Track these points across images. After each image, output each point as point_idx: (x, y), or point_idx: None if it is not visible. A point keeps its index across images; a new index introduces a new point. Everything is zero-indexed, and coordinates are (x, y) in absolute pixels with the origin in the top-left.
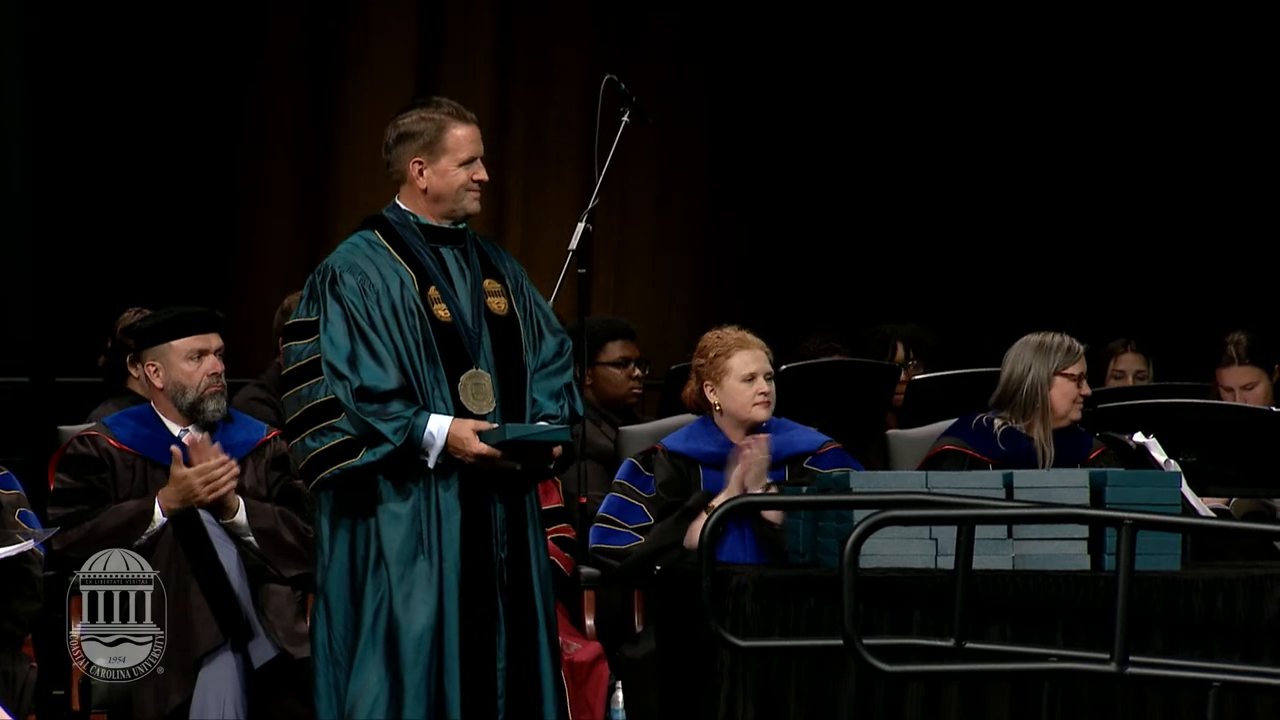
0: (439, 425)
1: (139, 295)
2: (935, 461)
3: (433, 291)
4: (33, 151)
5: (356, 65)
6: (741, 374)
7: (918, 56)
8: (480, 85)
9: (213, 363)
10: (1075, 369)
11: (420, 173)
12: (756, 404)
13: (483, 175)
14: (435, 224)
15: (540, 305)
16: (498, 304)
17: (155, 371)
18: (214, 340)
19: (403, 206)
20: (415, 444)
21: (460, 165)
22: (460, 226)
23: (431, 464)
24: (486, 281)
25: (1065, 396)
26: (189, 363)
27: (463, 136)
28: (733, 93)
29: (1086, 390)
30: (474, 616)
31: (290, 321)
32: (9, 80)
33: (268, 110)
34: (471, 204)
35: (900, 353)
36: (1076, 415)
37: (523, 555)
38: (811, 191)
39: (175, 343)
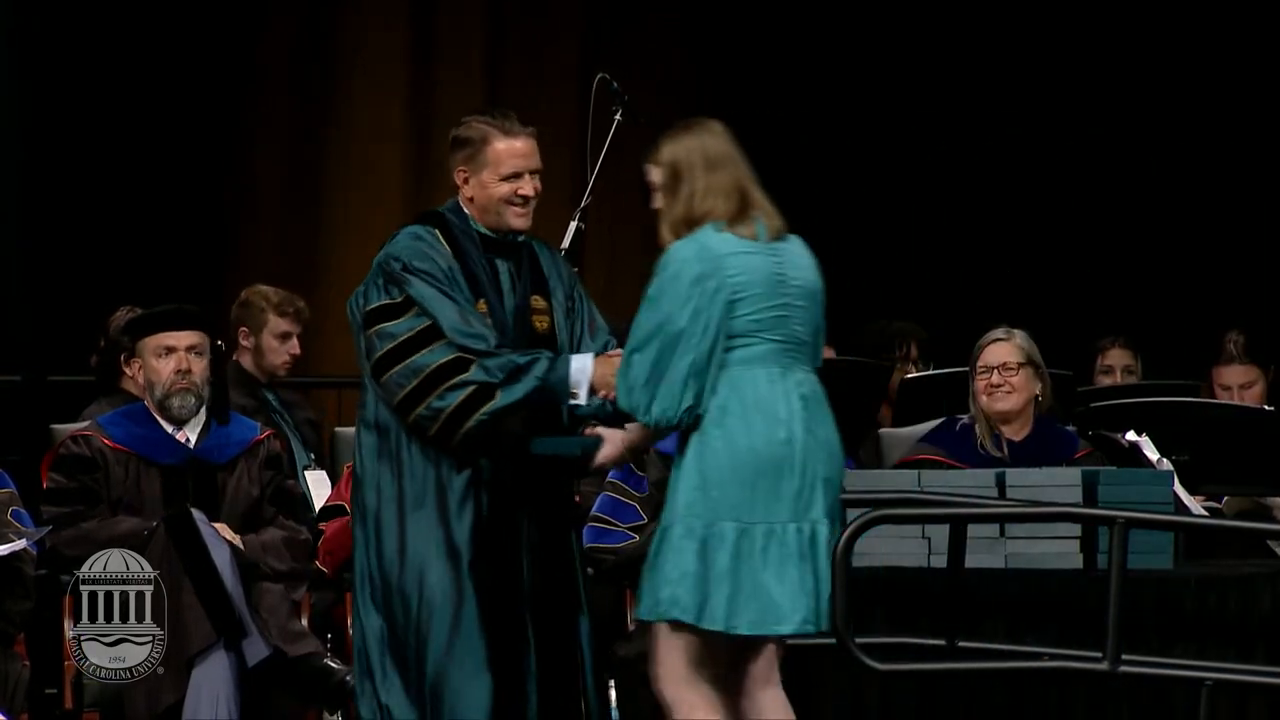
0: (581, 361)
1: (132, 294)
2: (910, 468)
3: (481, 305)
4: (25, 150)
5: (348, 65)
6: None
7: (912, 55)
8: (472, 84)
9: (179, 359)
10: (982, 361)
11: (465, 181)
12: None
13: (527, 191)
14: (491, 234)
15: (592, 312)
16: (540, 322)
17: (138, 369)
18: (184, 338)
19: (463, 209)
20: (561, 380)
21: (502, 179)
22: (519, 239)
23: (583, 400)
24: (533, 298)
25: (979, 393)
26: (157, 360)
27: (504, 150)
28: (725, 92)
29: (998, 380)
30: (501, 641)
31: (371, 307)
32: (1, 79)
33: (260, 109)
34: (514, 220)
35: (915, 351)
36: (1000, 405)
37: (560, 576)
38: (802, 190)
39: (147, 339)
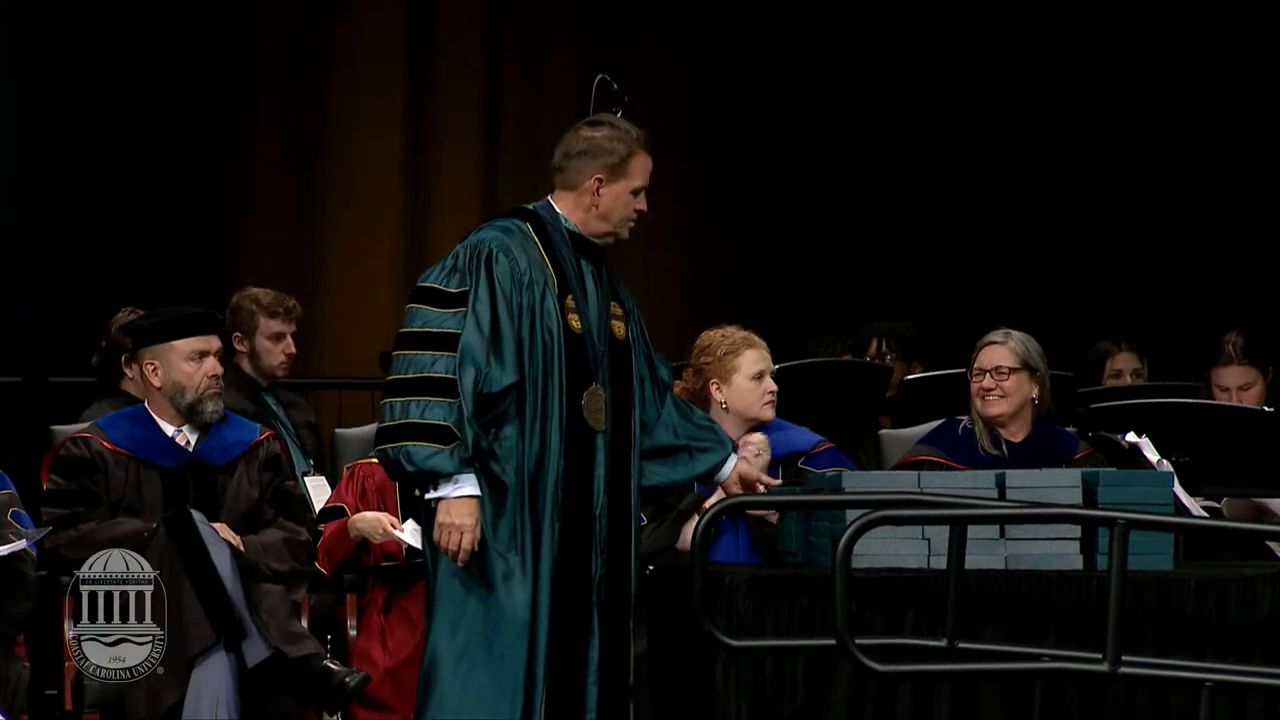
0: (471, 488)
1: (132, 295)
2: (910, 468)
3: (570, 300)
4: (25, 153)
5: (344, 64)
6: (750, 372)
7: (909, 54)
8: (471, 85)
9: (212, 364)
10: (977, 363)
11: (598, 189)
12: (766, 403)
13: (644, 206)
14: (584, 234)
15: (649, 342)
16: (619, 327)
17: (154, 371)
18: (214, 342)
19: (556, 208)
20: (449, 472)
21: (632, 193)
22: (603, 243)
23: (429, 495)
24: (611, 304)
25: (974, 396)
26: (189, 364)
27: (643, 166)
28: (725, 92)
29: (989, 383)
30: (567, 631)
31: (427, 285)
32: (2, 80)
33: (257, 108)
34: (626, 231)
35: (873, 347)
36: (990, 410)
37: (622, 571)
38: (801, 191)
39: (176, 343)
